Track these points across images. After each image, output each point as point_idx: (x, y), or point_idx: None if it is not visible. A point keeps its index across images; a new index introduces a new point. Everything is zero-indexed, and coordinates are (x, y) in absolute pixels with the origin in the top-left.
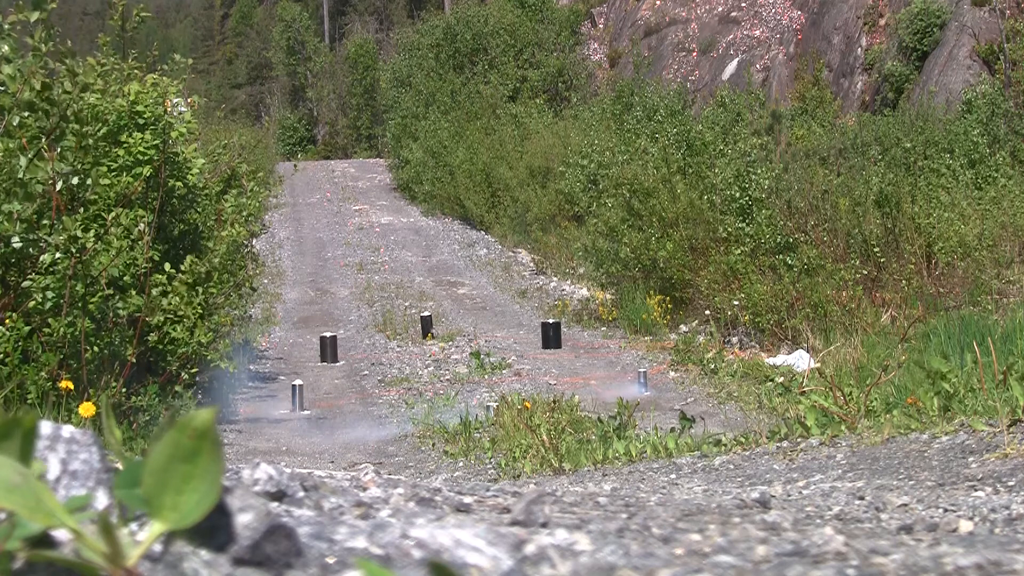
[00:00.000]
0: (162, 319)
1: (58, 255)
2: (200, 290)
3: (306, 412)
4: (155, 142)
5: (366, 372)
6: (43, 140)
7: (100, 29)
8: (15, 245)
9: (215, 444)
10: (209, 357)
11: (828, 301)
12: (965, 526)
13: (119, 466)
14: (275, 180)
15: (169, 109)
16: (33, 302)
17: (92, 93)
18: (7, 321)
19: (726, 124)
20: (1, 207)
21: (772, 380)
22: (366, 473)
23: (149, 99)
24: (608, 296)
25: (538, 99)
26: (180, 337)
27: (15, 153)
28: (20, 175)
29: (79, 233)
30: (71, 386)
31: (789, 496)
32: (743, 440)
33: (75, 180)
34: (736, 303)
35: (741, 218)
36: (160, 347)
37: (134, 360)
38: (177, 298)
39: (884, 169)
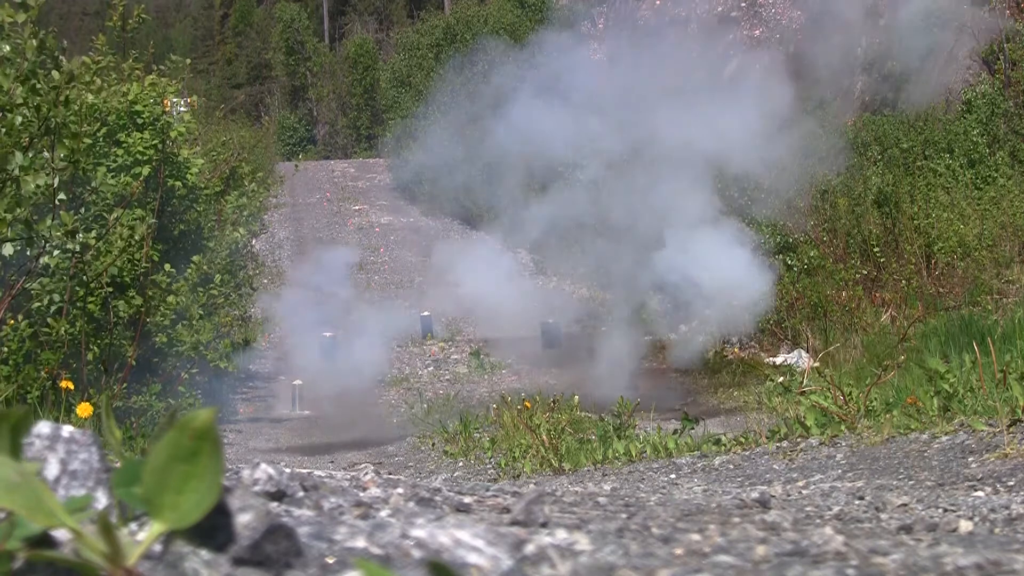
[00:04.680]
0: (167, 320)
1: (56, 253)
2: (201, 291)
3: (306, 412)
4: (154, 142)
5: (366, 372)
6: (40, 139)
7: (100, 29)
8: (5, 253)
9: (215, 444)
10: (209, 357)
11: (828, 301)
12: (965, 526)
13: (119, 466)
14: (275, 180)
15: (168, 109)
16: (38, 304)
17: (89, 92)
18: (10, 322)
19: None
20: None
21: (772, 380)
22: (366, 473)
23: (148, 99)
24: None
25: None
26: (184, 338)
27: (13, 153)
28: (17, 173)
29: (79, 231)
30: (71, 386)
31: (789, 496)
32: (743, 440)
33: (57, 181)
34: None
35: (741, 218)
36: (162, 347)
37: (134, 360)
38: (181, 298)
39: (883, 169)
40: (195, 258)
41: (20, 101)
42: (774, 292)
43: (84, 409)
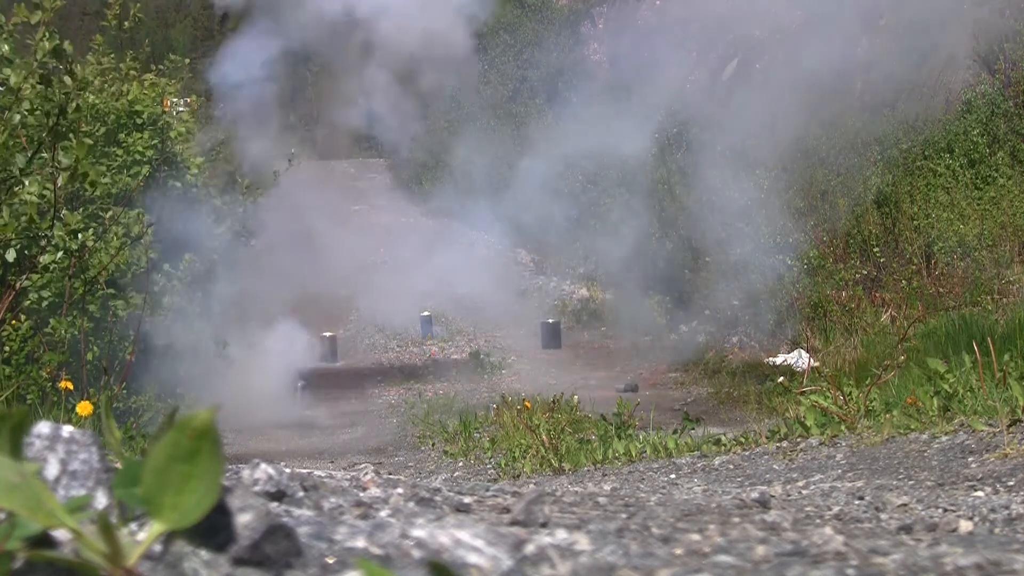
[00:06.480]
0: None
1: (59, 255)
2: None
3: (306, 412)
4: (153, 142)
5: (366, 372)
6: (45, 143)
7: (99, 29)
8: (9, 259)
9: (215, 444)
10: (208, 356)
11: (828, 301)
12: (965, 526)
13: (119, 466)
14: (274, 179)
15: (168, 109)
16: (29, 301)
17: (90, 93)
18: (12, 321)
19: None
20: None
21: (772, 380)
22: (366, 473)
23: (148, 99)
24: (608, 296)
25: (537, 99)
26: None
27: (13, 152)
28: (17, 173)
29: (79, 229)
30: (71, 386)
31: (789, 496)
32: (743, 440)
33: (61, 181)
34: (736, 303)
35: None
36: (166, 347)
37: (134, 360)
38: (176, 297)
39: (883, 169)
40: (187, 255)
41: (28, 103)
42: (775, 292)
43: (84, 407)
